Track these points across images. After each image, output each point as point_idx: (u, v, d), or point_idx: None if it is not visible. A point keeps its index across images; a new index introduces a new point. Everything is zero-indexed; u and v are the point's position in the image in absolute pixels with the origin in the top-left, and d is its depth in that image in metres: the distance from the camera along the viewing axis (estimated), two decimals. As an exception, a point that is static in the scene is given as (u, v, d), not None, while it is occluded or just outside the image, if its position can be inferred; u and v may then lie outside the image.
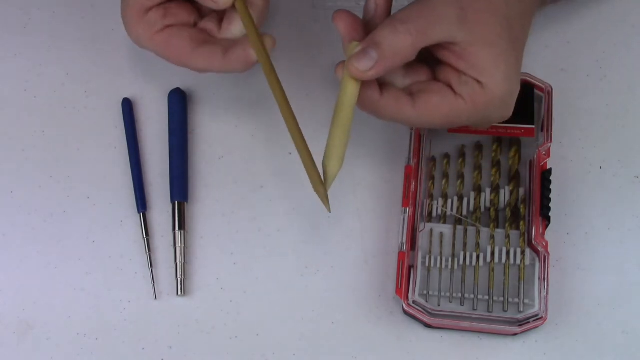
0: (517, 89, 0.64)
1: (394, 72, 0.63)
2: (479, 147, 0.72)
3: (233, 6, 0.66)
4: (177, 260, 0.70)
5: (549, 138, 0.70)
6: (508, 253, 0.68)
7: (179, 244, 0.70)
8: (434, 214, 0.70)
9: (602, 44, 0.77)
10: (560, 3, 0.77)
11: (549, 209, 0.68)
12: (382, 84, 0.63)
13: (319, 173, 0.62)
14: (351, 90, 0.62)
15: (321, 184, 0.62)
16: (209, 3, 0.66)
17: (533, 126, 0.70)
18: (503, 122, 0.70)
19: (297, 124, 0.63)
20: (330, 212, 0.63)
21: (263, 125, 0.74)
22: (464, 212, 0.70)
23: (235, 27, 0.68)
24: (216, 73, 0.68)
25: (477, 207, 0.70)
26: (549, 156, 0.70)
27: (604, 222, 0.71)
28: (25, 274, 0.71)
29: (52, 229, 0.72)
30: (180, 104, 0.75)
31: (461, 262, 0.68)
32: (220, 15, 0.69)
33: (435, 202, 0.70)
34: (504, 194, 0.70)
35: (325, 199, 0.63)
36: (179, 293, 0.69)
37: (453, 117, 0.63)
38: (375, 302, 0.69)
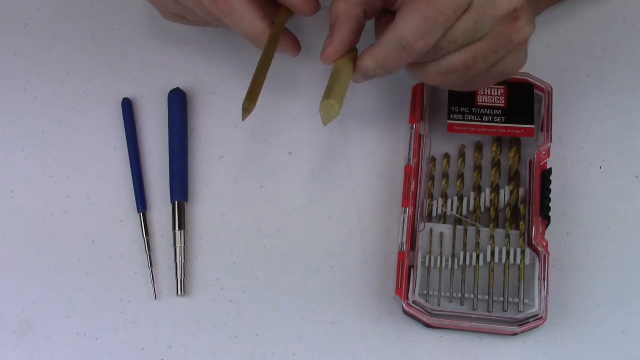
0: None
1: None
2: (479, 147, 0.72)
3: None
4: (177, 260, 0.70)
5: (549, 138, 0.70)
6: (508, 253, 0.68)
7: (179, 244, 0.70)
8: (434, 214, 0.70)
9: (602, 44, 0.77)
10: (562, 2, 0.77)
11: (549, 209, 0.68)
12: None
13: (260, 89, 0.62)
14: (347, 70, 0.63)
15: (253, 101, 0.62)
16: None
17: (533, 126, 0.70)
18: (503, 122, 0.70)
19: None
20: (242, 121, 0.62)
21: (263, 125, 0.74)
22: (464, 212, 0.70)
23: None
24: (227, 26, 0.67)
25: (477, 207, 0.70)
26: (549, 156, 0.70)
27: (604, 222, 0.71)
28: (25, 274, 0.71)
29: (52, 229, 0.72)
30: (180, 104, 0.75)
31: (461, 262, 0.68)
32: None
33: (435, 202, 0.70)
34: (504, 194, 0.70)
35: (246, 114, 0.61)
36: (179, 293, 0.69)
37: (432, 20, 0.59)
38: (375, 302, 0.69)
